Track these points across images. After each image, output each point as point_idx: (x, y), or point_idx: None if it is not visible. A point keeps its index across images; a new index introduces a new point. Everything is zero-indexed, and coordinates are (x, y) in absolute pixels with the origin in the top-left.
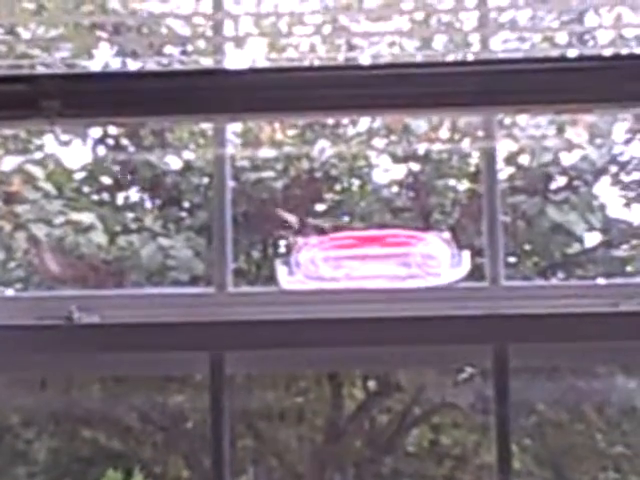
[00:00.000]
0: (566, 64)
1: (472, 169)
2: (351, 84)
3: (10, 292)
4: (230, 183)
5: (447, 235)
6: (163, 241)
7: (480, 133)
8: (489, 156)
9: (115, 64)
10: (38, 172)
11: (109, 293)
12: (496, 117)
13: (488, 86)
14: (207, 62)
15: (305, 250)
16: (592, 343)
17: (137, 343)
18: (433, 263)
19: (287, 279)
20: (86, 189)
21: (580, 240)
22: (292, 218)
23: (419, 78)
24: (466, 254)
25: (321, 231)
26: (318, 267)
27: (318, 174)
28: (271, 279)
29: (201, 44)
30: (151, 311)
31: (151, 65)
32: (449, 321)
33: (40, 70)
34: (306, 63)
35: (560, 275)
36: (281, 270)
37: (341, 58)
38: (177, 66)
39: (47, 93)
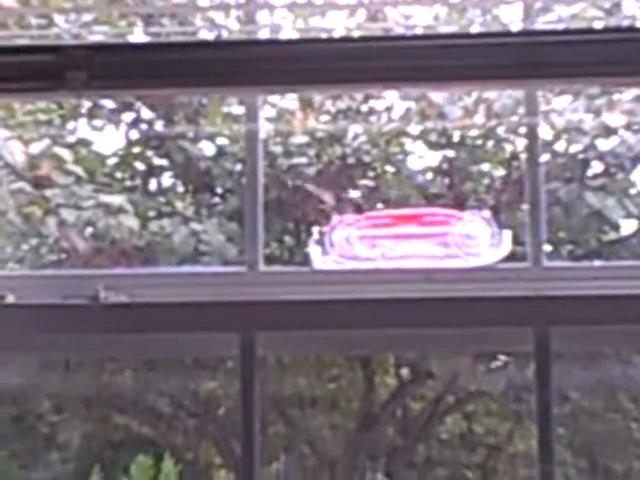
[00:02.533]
0: (612, 35)
1: (507, 155)
2: (388, 56)
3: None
4: (261, 162)
5: (487, 214)
6: (195, 226)
7: (522, 110)
8: (532, 133)
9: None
10: (69, 156)
11: (137, 272)
12: (539, 91)
13: (531, 58)
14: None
15: (340, 229)
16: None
17: (165, 324)
18: (472, 243)
19: (320, 259)
20: (119, 174)
21: (617, 227)
22: (328, 197)
23: (458, 49)
24: (507, 233)
25: (358, 209)
26: (353, 246)
27: (351, 160)
28: (304, 265)
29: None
30: (180, 290)
31: (179, 37)
32: (489, 303)
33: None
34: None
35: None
36: (314, 250)
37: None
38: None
39: (73, 64)
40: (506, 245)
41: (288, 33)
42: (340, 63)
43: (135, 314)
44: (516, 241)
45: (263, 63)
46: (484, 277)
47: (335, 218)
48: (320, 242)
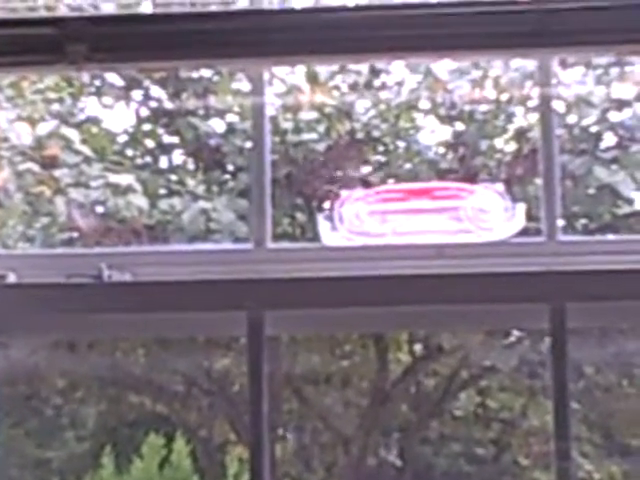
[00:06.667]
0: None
1: (516, 128)
2: (396, 25)
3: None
4: (268, 137)
5: (500, 187)
6: (205, 204)
7: (535, 81)
8: (545, 105)
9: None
10: (77, 136)
11: (143, 250)
12: (552, 60)
13: (544, 26)
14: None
15: (349, 204)
16: None
17: (170, 303)
18: (485, 217)
19: (330, 235)
20: (129, 152)
21: (630, 201)
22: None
23: (467, 18)
24: (520, 207)
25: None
26: (363, 222)
27: (361, 135)
28: (316, 241)
29: None
30: (185, 268)
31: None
32: (503, 278)
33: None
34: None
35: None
36: (323, 225)
37: None
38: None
39: (73, 37)
40: (520, 219)
41: (295, 2)
42: (347, 33)
43: (141, 293)
44: (528, 216)
45: (269, 34)
46: (497, 252)
47: (344, 193)
48: (329, 218)
